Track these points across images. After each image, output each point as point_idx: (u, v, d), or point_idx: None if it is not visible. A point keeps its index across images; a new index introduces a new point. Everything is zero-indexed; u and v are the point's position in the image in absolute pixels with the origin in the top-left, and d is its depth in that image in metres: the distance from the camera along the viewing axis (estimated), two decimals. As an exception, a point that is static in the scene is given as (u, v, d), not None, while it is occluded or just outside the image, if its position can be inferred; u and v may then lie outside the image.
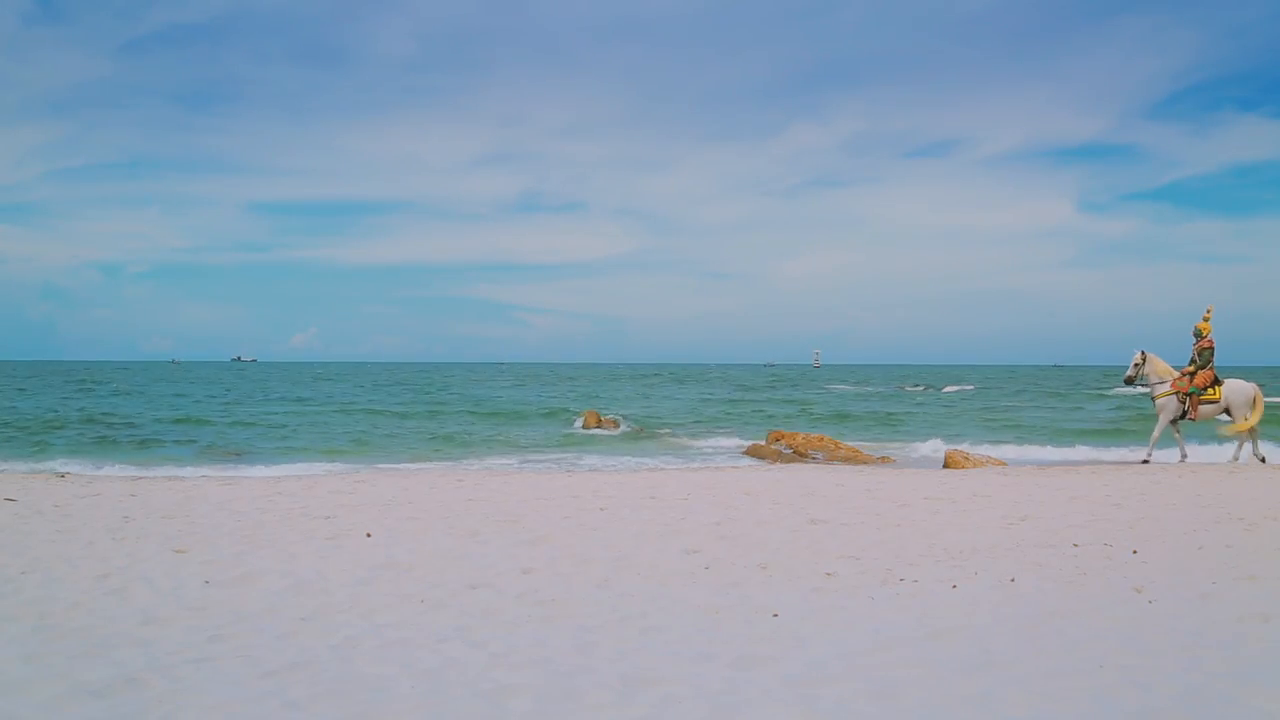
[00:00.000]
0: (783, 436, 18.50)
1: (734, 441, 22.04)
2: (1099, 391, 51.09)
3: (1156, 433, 15.89)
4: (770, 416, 31.57)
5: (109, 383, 56.35)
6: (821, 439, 18.09)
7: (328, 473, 14.88)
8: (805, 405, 39.38)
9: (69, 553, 7.35)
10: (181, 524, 8.78)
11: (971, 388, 59.80)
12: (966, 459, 15.70)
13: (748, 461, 17.46)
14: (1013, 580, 6.50)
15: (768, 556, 7.34)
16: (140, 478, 13.60)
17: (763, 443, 18.72)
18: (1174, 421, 15.90)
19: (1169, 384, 15.74)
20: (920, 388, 61.32)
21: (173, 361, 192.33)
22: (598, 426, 26.27)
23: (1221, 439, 16.22)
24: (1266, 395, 16.29)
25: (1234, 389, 15.70)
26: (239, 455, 18.81)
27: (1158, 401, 15.84)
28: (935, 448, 18.98)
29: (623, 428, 26.37)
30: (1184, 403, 15.65)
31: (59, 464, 16.05)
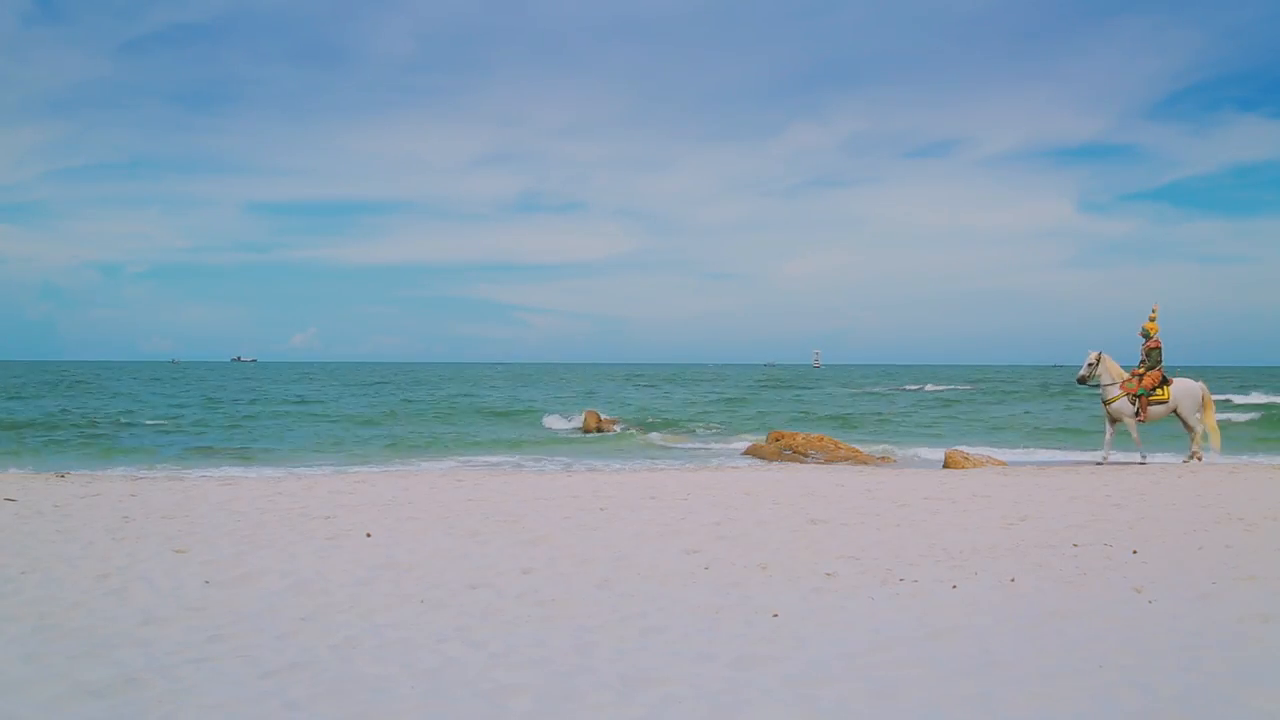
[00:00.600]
0: (783, 436, 18.50)
1: (734, 442, 22.04)
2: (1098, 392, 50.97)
3: (1134, 434, 15.93)
4: (770, 417, 31.57)
5: (80, 380, 55.99)
6: (821, 439, 18.08)
7: (248, 476, 14.72)
8: (805, 405, 39.39)
9: (69, 553, 7.34)
10: (181, 524, 8.78)
11: (968, 387, 59.77)
12: (966, 459, 15.70)
13: (747, 461, 17.46)
14: (1013, 580, 6.50)
15: (768, 556, 7.34)
16: (140, 478, 13.60)
17: (763, 443, 18.71)
18: (1114, 423, 15.96)
19: (1119, 386, 15.77)
20: (916, 387, 61.37)
21: (172, 361, 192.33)
22: (597, 427, 26.25)
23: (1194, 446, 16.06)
24: (1269, 395, 16.37)
25: (1183, 389, 15.79)
26: (152, 455, 18.44)
27: (1111, 406, 15.89)
28: (933, 452, 18.97)
29: (618, 428, 26.34)
30: (1134, 404, 15.69)
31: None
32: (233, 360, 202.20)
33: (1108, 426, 16.00)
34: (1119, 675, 4.48)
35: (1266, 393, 40.17)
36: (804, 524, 8.89)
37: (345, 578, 6.59)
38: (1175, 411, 15.79)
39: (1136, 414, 15.66)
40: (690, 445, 21.78)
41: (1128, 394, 15.67)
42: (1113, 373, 15.89)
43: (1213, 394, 16.58)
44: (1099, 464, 15.51)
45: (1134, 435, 15.91)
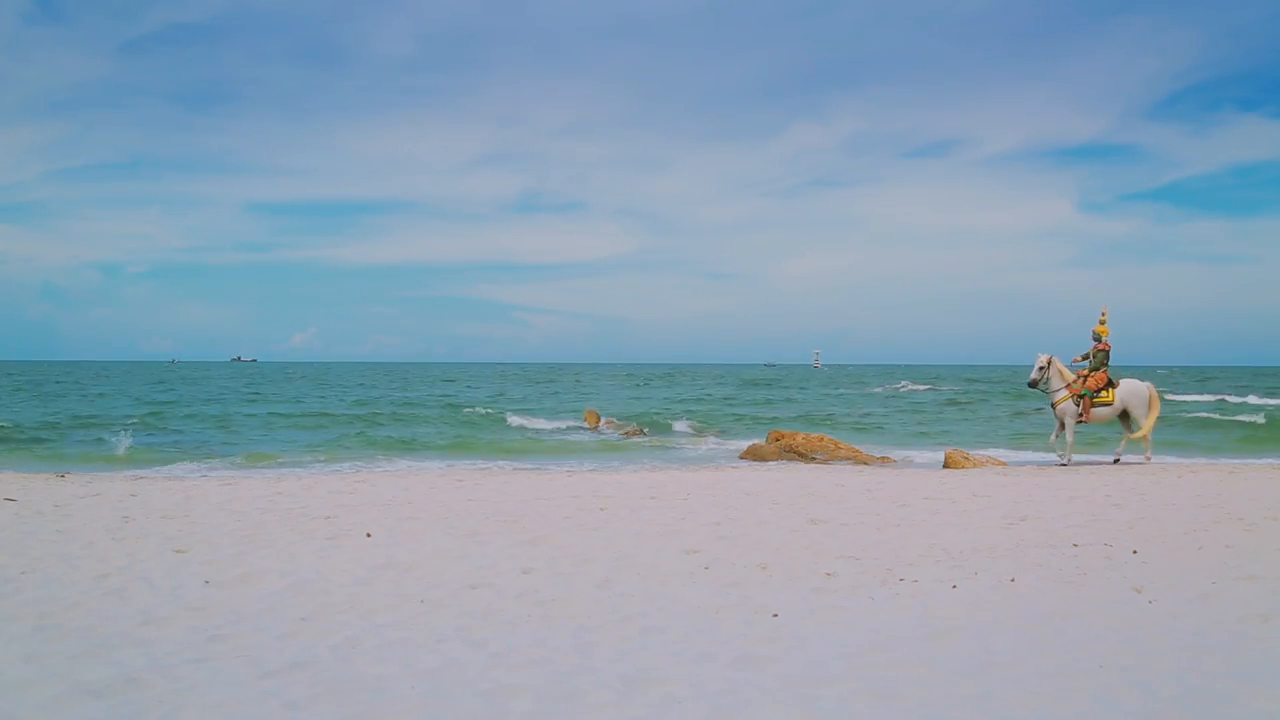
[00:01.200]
0: (783, 436, 18.48)
1: (733, 442, 22.04)
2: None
3: (1068, 437, 15.94)
4: (770, 417, 31.57)
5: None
6: (822, 439, 18.08)
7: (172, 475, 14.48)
8: (805, 406, 39.39)
9: (69, 553, 7.35)
10: (181, 524, 8.78)
11: (953, 386, 59.86)
12: (966, 459, 15.70)
13: (747, 462, 17.46)
14: (1013, 580, 6.50)
15: (768, 556, 7.34)
16: (140, 478, 13.60)
17: (762, 443, 18.71)
18: (1062, 424, 15.98)
19: (1066, 389, 15.83)
20: (914, 386, 61.45)
21: (172, 362, 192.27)
22: (596, 426, 26.25)
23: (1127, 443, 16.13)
24: (1271, 396, 16.38)
25: (1129, 390, 15.86)
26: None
27: (1057, 408, 15.92)
28: (933, 456, 18.96)
29: (610, 430, 26.32)
30: (1078, 405, 15.74)
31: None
32: (233, 360, 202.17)
33: (1072, 428, 15.99)
34: (1119, 675, 4.48)
35: (1271, 393, 40.21)
36: (804, 524, 8.89)
37: (345, 578, 6.59)
38: (1125, 412, 15.91)
39: (1080, 416, 15.73)
40: (690, 445, 21.78)
41: (1073, 395, 15.74)
42: (1063, 375, 15.97)
43: (1229, 395, 16.62)
44: (1063, 465, 15.60)
45: (1065, 438, 15.99)
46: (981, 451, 17.84)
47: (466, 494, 11.18)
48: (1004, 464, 15.86)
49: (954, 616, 5.56)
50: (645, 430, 24.91)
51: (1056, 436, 16.01)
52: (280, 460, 17.49)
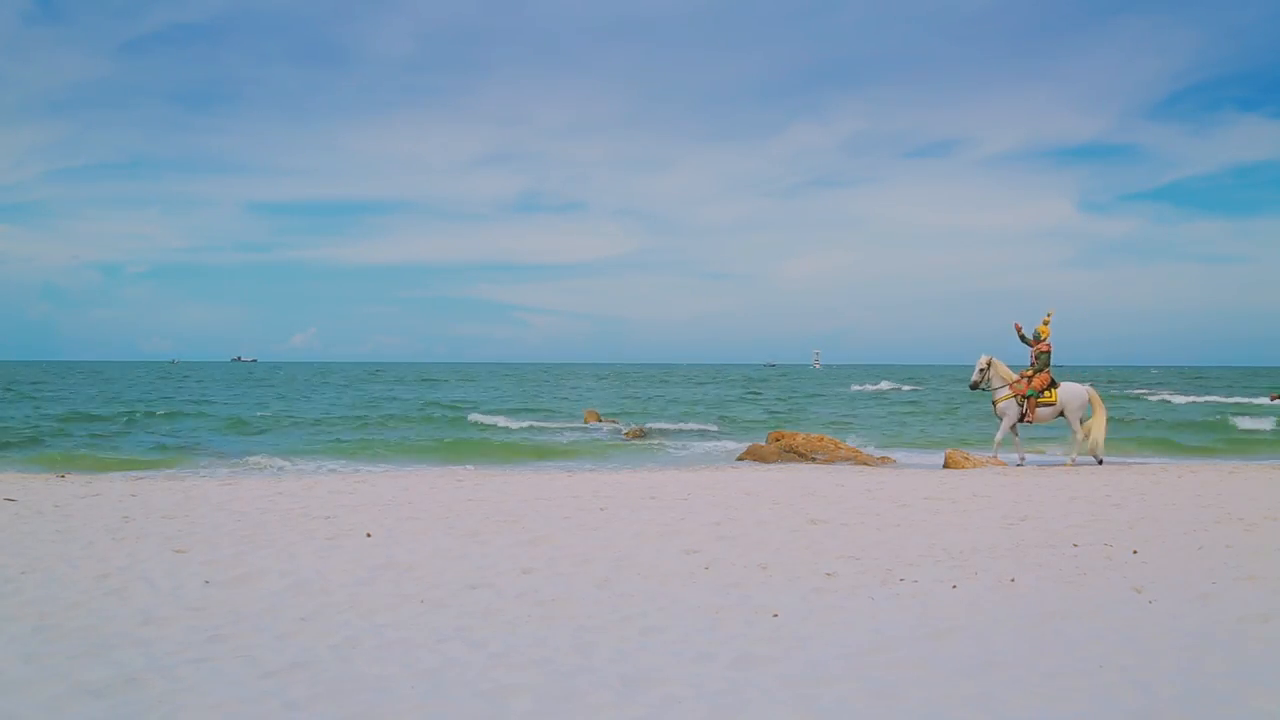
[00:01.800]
0: (783, 437, 18.47)
1: (733, 442, 22.04)
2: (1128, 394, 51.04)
3: (999, 436, 16.05)
4: (770, 417, 31.57)
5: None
6: (822, 439, 18.07)
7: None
8: (805, 406, 39.40)
9: (69, 553, 7.35)
10: (181, 524, 8.78)
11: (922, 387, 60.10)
12: (966, 459, 15.70)
13: (747, 462, 17.45)
14: (1013, 580, 6.50)
15: (768, 556, 7.34)
16: (140, 478, 13.61)
17: (762, 443, 18.69)
18: (1012, 426, 16.02)
19: (1008, 388, 15.87)
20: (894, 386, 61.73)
21: (172, 362, 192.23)
22: (597, 425, 26.26)
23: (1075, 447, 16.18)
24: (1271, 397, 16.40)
25: (1069, 392, 15.99)
26: None
27: (998, 406, 16.00)
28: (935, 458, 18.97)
29: (606, 428, 26.31)
30: (1022, 405, 15.81)
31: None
32: (233, 360, 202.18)
33: (1006, 429, 16.05)
34: (1119, 675, 4.48)
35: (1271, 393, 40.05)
36: (804, 524, 8.89)
37: (345, 578, 6.59)
38: (1062, 414, 16.00)
39: (1023, 416, 15.82)
40: (689, 445, 21.78)
41: (1016, 395, 15.78)
42: (1004, 376, 16.05)
43: (1241, 397, 16.65)
44: (1019, 464, 15.69)
45: (998, 437, 16.10)
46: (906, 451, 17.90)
47: (467, 494, 11.18)
48: (1004, 464, 15.87)
49: (954, 616, 5.56)
50: (646, 430, 24.90)
51: (1002, 436, 16.09)
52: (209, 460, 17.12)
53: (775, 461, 17.04)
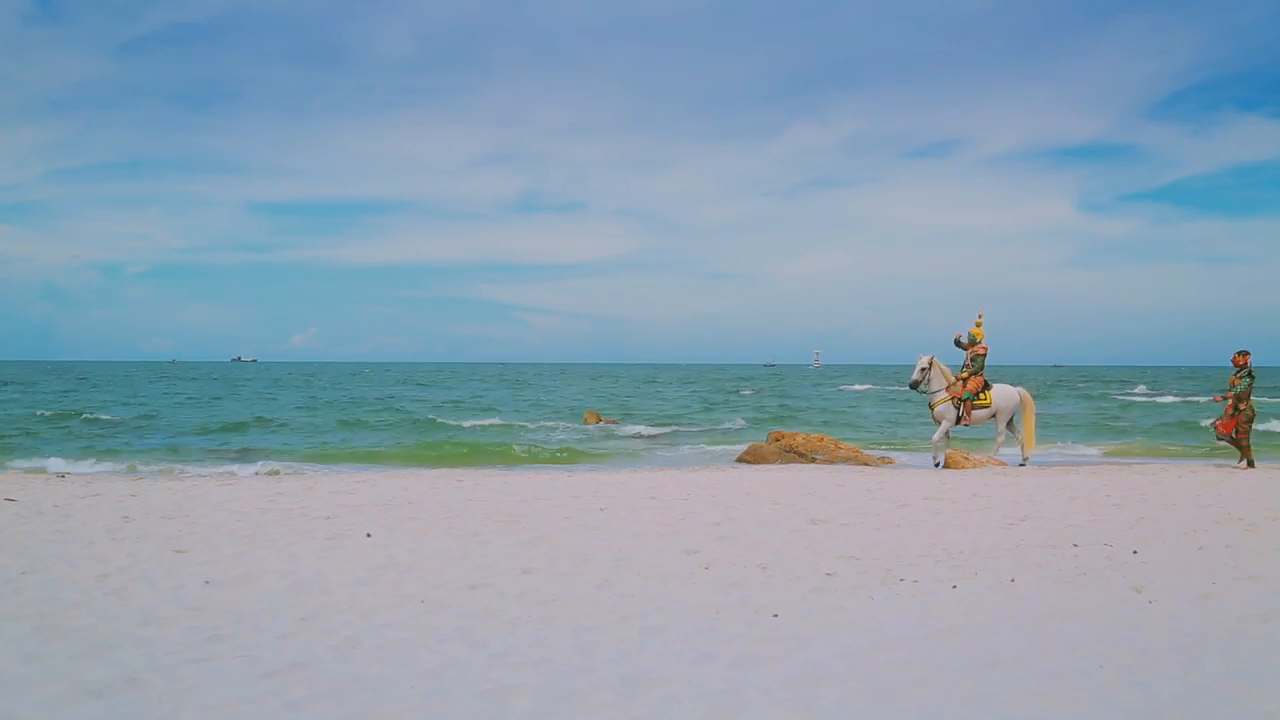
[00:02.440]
0: (783, 436, 18.46)
1: (733, 442, 22.03)
2: (1106, 393, 51.12)
3: (937, 437, 16.07)
4: (770, 417, 31.57)
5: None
6: (822, 439, 18.06)
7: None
8: (805, 406, 39.39)
9: (69, 553, 7.35)
10: (181, 524, 8.78)
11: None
12: (966, 459, 15.69)
13: (747, 462, 17.45)
14: (1013, 580, 6.50)
15: (768, 556, 7.34)
16: (140, 478, 13.60)
17: (762, 443, 18.69)
18: (942, 425, 16.07)
19: (945, 390, 15.93)
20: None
21: (172, 362, 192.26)
22: (597, 425, 26.24)
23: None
24: (1272, 397, 16.47)
25: (1002, 394, 16.11)
26: None
27: (935, 409, 16.03)
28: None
29: (601, 428, 26.29)
30: (958, 408, 15.87)
31: None
32: (233, 360, 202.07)
33: (944, 432, 16.06)
34: (1119, 675, 4.48)
35: (1273, 394, 40.32)
36: (804, 524, 8.89)
37: (345, 578, 6.59)
38: (995, 416, 16.10)
39: (959, 419, 15.88)
40: (689, 445, 21.77)
41: (953, 398, 15.83)
42: (945, 377, 16.09)
43: (1255, 397, 16.61)
44: (936, 466, 15.70)
45: (935, 438, 16.10)
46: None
47: (467, 494, 11.18)
48: (1004, 464, 15.86)
49: (954, 616, 5.56)
50: (645, 430, 24.89)
51: (939, 438, 16.12)
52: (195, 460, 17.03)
53: (775, 461, 17.04)
